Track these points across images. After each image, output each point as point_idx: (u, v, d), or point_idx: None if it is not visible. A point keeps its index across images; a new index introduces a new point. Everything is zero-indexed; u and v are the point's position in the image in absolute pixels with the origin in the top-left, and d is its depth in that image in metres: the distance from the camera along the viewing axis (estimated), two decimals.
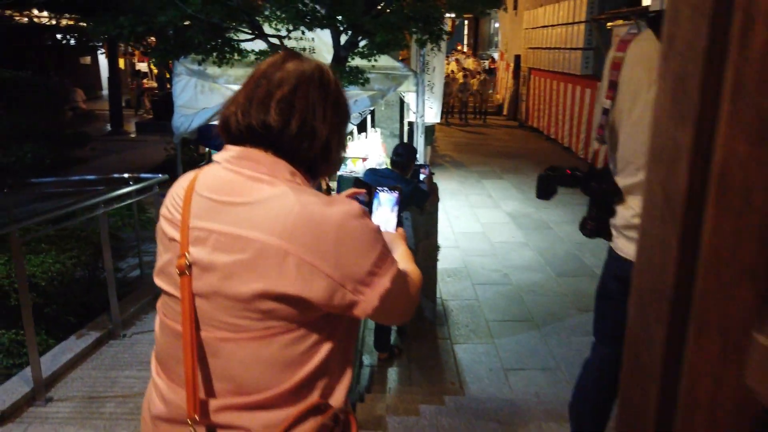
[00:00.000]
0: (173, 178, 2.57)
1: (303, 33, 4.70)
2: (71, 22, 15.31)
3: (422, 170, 4.39)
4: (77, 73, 20.48)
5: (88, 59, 22.62)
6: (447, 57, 26.38)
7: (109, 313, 3.47)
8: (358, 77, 4.75)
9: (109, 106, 13.72)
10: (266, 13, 4.36)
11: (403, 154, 3.95)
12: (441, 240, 6.93)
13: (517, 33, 18.36)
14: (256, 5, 4.50)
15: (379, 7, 4.57)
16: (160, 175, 3.99)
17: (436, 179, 10.88)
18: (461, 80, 17.75)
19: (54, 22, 15.76)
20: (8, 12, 14.79)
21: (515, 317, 4.94)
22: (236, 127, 1.08)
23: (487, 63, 21.53)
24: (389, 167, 3.96)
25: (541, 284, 5.62)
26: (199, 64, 5.50)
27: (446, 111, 16.67)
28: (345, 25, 4.43)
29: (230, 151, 1.08)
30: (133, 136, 13.58)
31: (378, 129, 9.33)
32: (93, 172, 9.66)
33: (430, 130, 10.67)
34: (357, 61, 5.58)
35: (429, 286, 4.63)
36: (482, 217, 7.96)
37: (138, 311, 4.11)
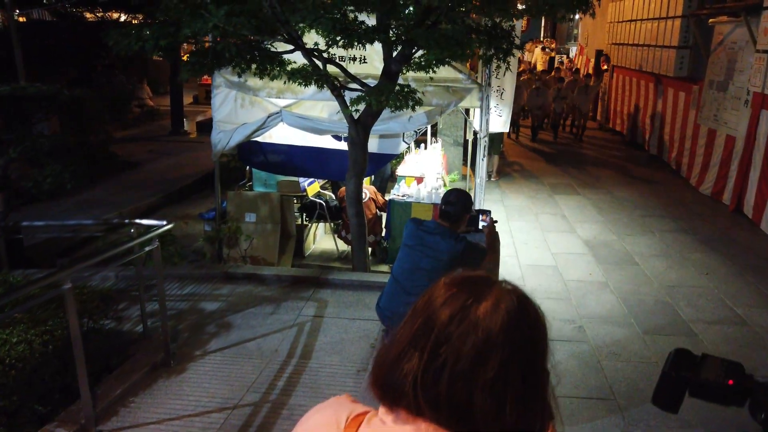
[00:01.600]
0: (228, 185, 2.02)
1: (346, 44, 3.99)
2: (140, 18, 15.35)
3: (482, 217, 3.58)
4: (148, 67, 20.73)
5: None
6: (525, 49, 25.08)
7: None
8: (408, 99, 3.99)
9: (170, 105, 13.59)
10: (300, 24, 3.66)
11: (454, 203, 3.17)
12: (504, 273, 6.08)
13: (599, 26, 16.88)
14: (287, 18, 3.81)
15: (434, 18, 3.78)
16: (164, 223, 3.42)
17: (502, 191, 10.00)
18: (553, 84, 14.40)
19: (124, 18, 15.87)
20: (79, 10, 14.98)
21: (591, 393, 4.05)
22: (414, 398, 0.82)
23: (563, 59, 20.04)
24: (437, 219, 3.20)
25: (625, 344, 4.67)
26: (239, 75, 4.90)
27: (517, 120, 13.76)
28: (393, 39, 3.68)
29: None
30: (192, 136, 13.39)
31: (439, 139, 8.53)
32: (141, 178, 9.43)
33: (498, 138, 9.75)
34: (411, 73, 4.82)
35: None
36: (554, 244, 7.00)
37: (126, 392, 3.27)
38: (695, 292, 5.65)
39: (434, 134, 8.90)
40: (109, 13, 15.49)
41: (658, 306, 5.36)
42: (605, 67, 15.64)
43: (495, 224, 3.64)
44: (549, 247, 6.89)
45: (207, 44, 4.78)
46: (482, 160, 5.44)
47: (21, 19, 13.49)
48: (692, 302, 5.43)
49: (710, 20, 9.62)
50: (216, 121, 5.74)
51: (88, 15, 14.96)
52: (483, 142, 5.40)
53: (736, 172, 8.33)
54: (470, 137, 8.36)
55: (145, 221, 3.57)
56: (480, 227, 3.56)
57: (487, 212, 3.57)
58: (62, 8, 14.59)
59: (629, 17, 13.72)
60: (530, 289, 3.95)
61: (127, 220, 3.73)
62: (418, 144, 8.15)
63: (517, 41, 7.65)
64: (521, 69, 13.74)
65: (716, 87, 9.40)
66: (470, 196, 3.28)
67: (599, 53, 16.63)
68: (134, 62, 17.94)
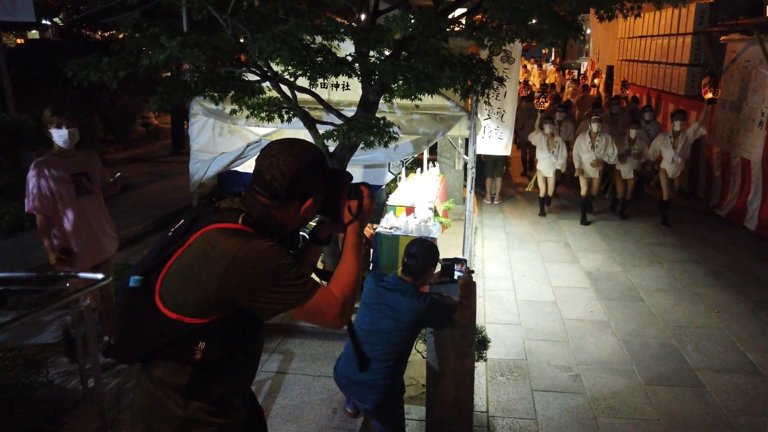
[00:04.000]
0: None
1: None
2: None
3: (457, 266, 3.25)
4: (155, 84, 20.72)
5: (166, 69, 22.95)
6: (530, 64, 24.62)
7: None
8: (383, 135, 3.68)
9: (171, 124, 13.46)
10: (255, 55, 3.39)
11: (416, 255, 2.84)
12: (499, 310, 5.73)
13: (610, 41, 16.52)
14: (246, 48, 3.54)
15: (412, 49, 3.48)
16: (99, 277, 3.14)
17: (505, 215, 9.60)
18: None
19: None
20: (85, 30, 15.00)
21: None
22: None
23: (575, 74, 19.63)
24: (399, 274, 2.88)
25: (624, 397, 4.28)
26: (217, 103, 4.64)
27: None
28: (360, 72, 3.38)
29: None
30: None
31: (437, 163, 8.20)
32: (133, 202, 9.22)
33: (501, 160, 9.40)
34: (398, 100, 4.52)
35: (462, 422, 3.46)
36: (555, 276, 6.62)
37: None
38: (704, 334, 5.23)
39: (431, 158, 8.58)
40: (114, 33, 15.50)
41: (663, 350, 4.96)
42: (596, 81, 15.43)
43: (472, 274, 3.31)
44: (549, 280, 6.51)
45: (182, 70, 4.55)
46: (470, 192, 5.09)
47: (19, 41, 13.51)
48: (700, 346, 5.01)
49: (722, 38, 9.22)
50: (193, 150, 5.48)
51: (92, 34, 14.97)
52: (471, 173, 5.06)
53: (760, 197, 7.90)
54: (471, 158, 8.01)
55: (82, 274, 3.29)
56: (455, 278, 3.24)
57: (462, 261, 3.25)
58: (66, 28, 14.62)
59: (640, 33, 13.35)
60: (527, 328, 3.56)
61: (62, 273, 3.46)
62: (415, 168, 7.83)
63: (505, 68, 7.41)
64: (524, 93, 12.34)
65: (729, 107, 8.98)
66: (436, 247, 2.95)
67: (610, 69, 16.23)
68: (140, 80, 17.93)
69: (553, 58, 26.17)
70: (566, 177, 9.81)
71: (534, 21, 3.40)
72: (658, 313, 5.66)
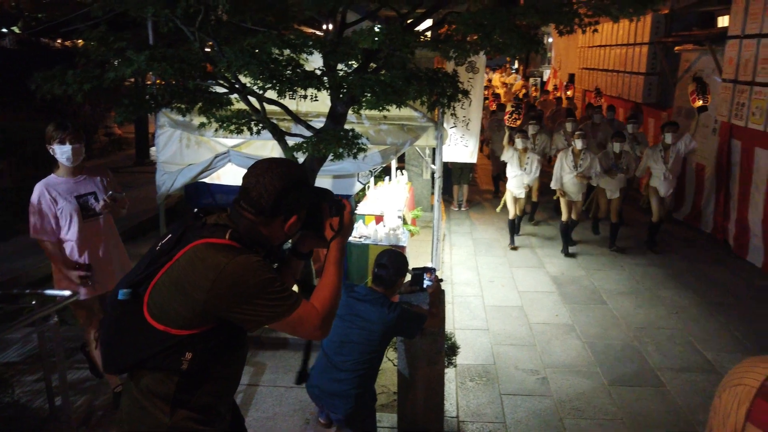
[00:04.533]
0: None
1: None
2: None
3: (427, 275, 3.32)
4: (120, 94, 20.35)
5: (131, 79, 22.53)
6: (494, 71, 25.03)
7: None
8: (352, 146, 3.73)
9: (135, 134, 13.24)
10: (221, 69, 3.41)
11: (387, 266, 2.91)
12: (468, 316, 5.83)
13: (571, 50, 16.96)
14: (214, 62, 3.56)
15: (380, 63, 3.55)
16: (67, 293, 3.11)
17: (472, 222, 9.75)
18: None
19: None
20: (45, 39, 14.66)
21: None
22: None
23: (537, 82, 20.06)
24: (370, 285, 2.93)
25: (589, 398, 4.41)
26: (184, 115, 4.61)
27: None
28: (329, 86, 3.43)
29: None
30: None
31: (405, 172, 8.29)
32: None
33: (467, 167, 9.55)
34: (366, 111, 4.58)
35: (433, 428, 3.53)
36: (522, 281, 6.76)
37: None
38: (664, 335, 5.43)
39: (400, 167, 8.67)
40: (75, 42, 15.18)
41: (626, 351, 5.12)
42: (569, 93, 14.22)
43: (440, 283, 3.38)
44: (516, 285, 6.65)
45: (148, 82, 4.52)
46: (438, 201, 5.18)
47: None
48: (661, 346, 5.20)
49: (676, 48, 9.60)
50: (160, 162, 5.44)
51: (52, 43, 14.64)
52: (438, 183, 5.16)
53: (713, 201, 8.22)
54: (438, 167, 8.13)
55: (49, 291, 3.25)
56: (425, 286, 3.30)
57: (431, 270, 3.32)
58: (25, 37, 14.26)
59: (599, 43, 13.75)
60: (494, 333, 3.63)
61: (28, 290, 3.40)
62: (383, 176, 7.90)
63: (469, 78, 7.56)
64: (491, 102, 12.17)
65: (684, 114, 9.34)
66: (406, 258, 3.02)
67: (572, 77, 16.64)
68: (104, 90, 17.58)
69: (516, 67, 26.69)
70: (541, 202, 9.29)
71: (497, 36, 3.50)
72: (620, 315, 5.85)
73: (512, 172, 7.69)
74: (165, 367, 1.69)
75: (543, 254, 7.69)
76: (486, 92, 15.49)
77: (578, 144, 7.30)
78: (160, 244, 1.77)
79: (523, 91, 18.15)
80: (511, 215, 7.92)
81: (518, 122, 7.98)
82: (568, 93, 14.35)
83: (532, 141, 8.32)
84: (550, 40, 19.91)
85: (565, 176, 7.41)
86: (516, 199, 7.87)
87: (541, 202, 9.36)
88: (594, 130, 9.30)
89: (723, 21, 8.98)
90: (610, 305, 6.10)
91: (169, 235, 1.77)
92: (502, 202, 8.75)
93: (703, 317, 5.79)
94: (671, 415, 4.21)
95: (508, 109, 7.71)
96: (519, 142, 7.54)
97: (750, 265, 7.22)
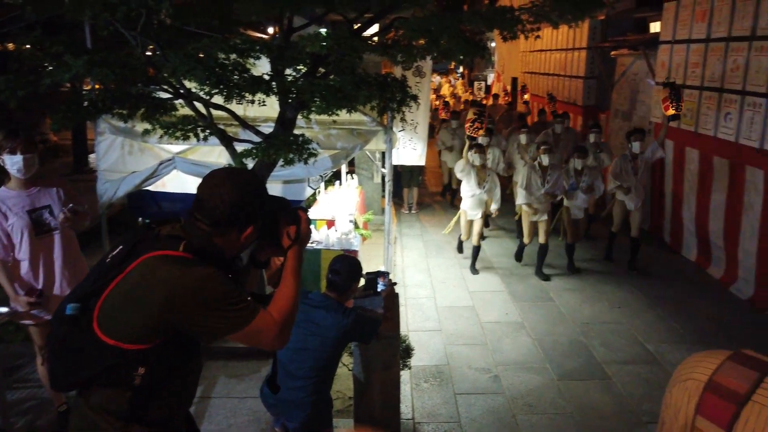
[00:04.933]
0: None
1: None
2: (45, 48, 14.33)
3: (380, 279, 3.34)
4: (58, 99, 19.48)
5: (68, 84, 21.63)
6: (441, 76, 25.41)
7: None
8: (303, 151, 3.71)
9: (72, 140, 12.71)
10: (165, 75, 3.32)
11: (341, 272, 2.91)
12: (421, 318, 5.88)
13: (513, 54, 17.42)
14: (158, 67, 3.47)
15: (328, 68, 3.55)
16: (4, 311, 2.97)
17: (422, 224, 9.85)
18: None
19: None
20: None
21: None
22: None
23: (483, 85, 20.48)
24: (324, 291, 2.92)
25: (540, 393, 4.53)
26: (125, 121, 4.46)
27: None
28: (277, 90, 3.40)
29: None
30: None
31: (355, 176, 8.30)
32: None
33: (417, 170, 9.65)
34: (315, 116, 4.56)
35: (390, 426, 3.54)
36: (472, 282, 6.88)
37: None
38: (608, 329, 5.64)
39: (350, 170, 8.67)
40: (8, 45, 14.41)
41: (573, 347, 5.29)
42: (526, 97, 13.91)
43: (394, 286, 3.41)
44: (467, 285, 6.76)
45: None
46: (388, 205, 5.21)
47: None
48: (605, 340, 5.40)
49: (612, 52, 10.00)
50: (101, 170, 5.25)
51: None
52: (388, 186, 5.19)
53: (650, 199, 8.60)
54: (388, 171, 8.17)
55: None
56: (379, 290, 3.32)
57: (385, 274, 3.34)
58: None
59: (540, 47, 14.17)
60: (447, 334, 3.68)
61: None
62: (333, 181, 7.88)
63: (417, 82, 7.66)
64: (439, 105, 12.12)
65: (621, 116, 9.74)
66: (359, 263, 3.02)
67: (515, 81, 17.09)
68: (39, 95, 16.79)
69: (461, 71, 27.15)
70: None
71: (444, 41, 3.56)
72: (567, 311, 6.03)
73: (469, 191, 6.85)
74: (117, 382, 1.64)
75: (492, 254, 7.85)
76: (437, 102, 15.59)
77: (545, 160, 6.64)
78: (110, 256, 1.71)
79: (470, 97, 18.42)
80: (463, 237, 7.24)
81: (481, 132, 7.02)
82: (525, 97, 13.76)
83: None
84: (493, 44, 20.39)
85: (531, 192, 6.74)
86: (471, 222, 7.06)
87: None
88: (555, 141, 8.59)
89: (655, 27, 9.43)
90: (557, 302, 6.29)
91: (120, 247, 1.71)
92: (452, 222, 8.15)
93: (644, 311, 6.05)
94: (617, 406, 4.38)
95: (470, 116, 6.89)
96: (476, 158, 6.67)
97: (685, 259, 7.60)
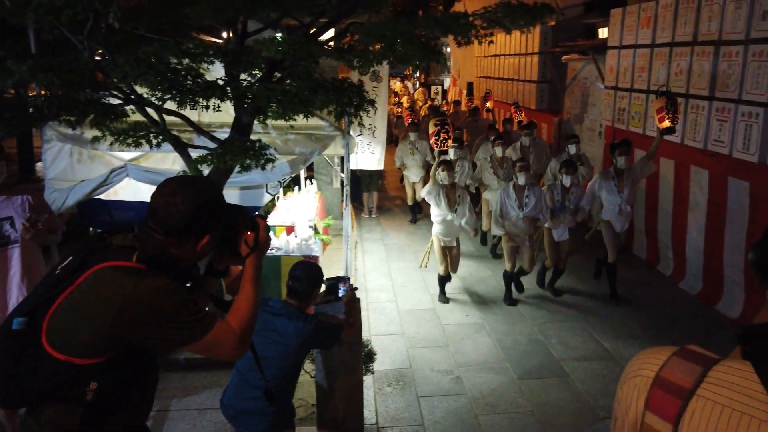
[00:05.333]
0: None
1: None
2: None
3: (341, 284, 3.32)
4: (2, 105, 18.69)
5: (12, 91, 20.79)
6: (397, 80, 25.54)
7: None
8: (260, 157, 3.66)
9: (17, 147, 12.21)
10: (114, 80, 3.23)
11: (301, 278, 2.88)
12: (383, 321, 5.88)
13: (468, 59, 17.67)
14: (107, 72, 3.37)
15: (284, 73, 3.52)
16: None
17: (383, 228, 9.89)
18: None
19: None
20: None
21: None
22: None
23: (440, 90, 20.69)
24: (284, 298, 2.89)
25: (501, 393, 4.59)
26: (74, 128, 4.30)
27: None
28: (232, 96, 3.35)
29: None
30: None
31: (314, 181, 8.25)
32: None
33: (376, 174, 9.66)
34: (272, 121, 4.51)
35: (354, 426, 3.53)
36: (433, 284, 6.90)
37: None
38: (565, 327, 5.77)
39: (309, 176, 8.62)
40: None
41: (532, 346, 5.39)
42: (490, 104, 12.74)
43: (355, 291, 3.40)
44: (428, 288, 6.80)
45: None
46: (347, 209, 5.20)
47: None
48: (563, 339, 5.52)
49: (563, 57, 10.28)
50: (49, 179, 5.06)
51: None
52: (346, 191, 5.19)
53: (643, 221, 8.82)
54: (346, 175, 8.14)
55: None
56: (340, 296, 3.30)
57: (345, 279, 3.33)
58: None
59: (494, 52, 14.43)
60: (409, 337, 3.66)
61: None
62: (292, 186, 7.81)
63: (374, 86, 7.69)
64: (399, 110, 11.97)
65: (573, 119, 10.01)
66: (320, 269, 3.00)
67: (470, 85, 17.34)
68: None
69: (417, 75, 27.39)
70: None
71: (399, 46, 3.58)
72: (525, 311, 6.14)
73: (439, 214, 6.00)
74: (68, 398, 1.57)
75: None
76: (398, 110, 15.52)
77: (521, 179, 5.85)
78: (59, 267, 1.64)
79: (428, 103, 18.39)
80: (441, 270, 6.24)
81: (449, 143, 6.34)
82: (488, 105, 12.53)
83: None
84: (449, 49, 20.67)
85: (508, 218, 5.98)
86: (447, 249, 6.22)
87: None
88: (524, 154, 7.80)
89: (604, 32, 9.74)
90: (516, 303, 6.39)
91: (70, 258, 1.65)
92: (425, 253, 7.21)
93: (599, 309, 6.21)
94: (575, 402, 4.48)
95: (432, 128, 6.20)
96: (445, 177, 5.83)
97: (637, 258, 7.85)
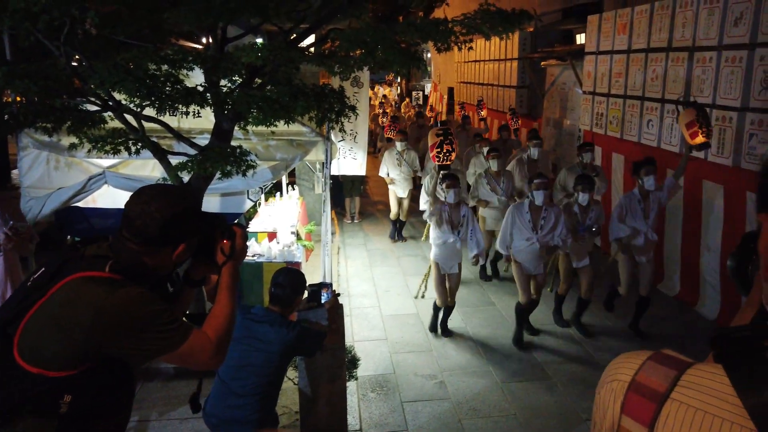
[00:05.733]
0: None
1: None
2: None
3: (324, 290, 3.31)
4: None
5: None
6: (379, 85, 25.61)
7: None
8: (241, 163, 3.65)
9: None
10: (92, 86, 3.20)
11: (284, 285, 2.87)
12: (366, 327, 5.87)
13: (449, 65, 17.80)
14: (84, 79, 3.34)
15: (265, 79, 3.51)
16: None
17: (365, 233, 9.88)
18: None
19: None
20: None
21: None
22: None
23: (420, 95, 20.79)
24: (267, 305, 2.87)
25: (484, 397, 4.61)
26: (50, 135, 4.24)
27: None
28: (211, 102, 3.33)
29: None
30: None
31: (296, 187, 8.23)
32: None
33: (358, 180, 9.66)
34: (252, 127, 4.49)
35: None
36: (415, 289, 6.93)
37: None
38: (547, 330, 5.81)
39: (290, 182, 8.59)
40: None
41: (514, 349, 5.42)
42: (484, 113, 10.88)
43: (338, 296, 3.39)
44: (410, 293, 6.81)
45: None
46: (325, 214, 5.19)
47: None
48: (544, 341, 5.57)
49: (542, 63, 10.40)
50: (25, 187, 4.97)
51: None
52: (325, 196, 5.17)
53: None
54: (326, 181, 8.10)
55: None
56: (323, 302, 3.29)
57: (328, 285, 3.33)
58: None
59: (474, 58, 14.56)
60: (392, 342, 3.64)
61: None
62: (274, 192, 7.78)
63: (355, 92, 7.71)
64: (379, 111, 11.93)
65: (552, 124, 10.13)
66: (303, 276, 3.00)
67: (451, 90, 17.45)
68: None
69: (399, 80, 27.50)
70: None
71: (380, 52, 3.60)
72: (507, 315, 6.18)
73: (440, 236, 5.30)
74: (42, 411, 1.54)
75: None
76: (383, 120, 15.35)
77: (538, 198, 5.12)
78: (32, 278, 1.61)
79: (412, 110, 17.91)
80: (438, 301, 5.56)
81: (453, 157, 5.45)
82: (482, 113, 10.89)
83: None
84: (429, 55, 20.79)
85: (519, 241, 5.21)
86: (447, 278, 5.50)
87: None
88: (532, 168, 6.95)
89: (581, 38, 9.88)
90: (497, 306, 6.43)
91: (43, 269, 1.62)
92: (423, 280, 6.47)
93: (574, 308, 6.26)
94: (557, 405, 4.51)
95: (432, 139, 5.42)
96: (451, 195, 5.16)
97: (614, 260, 7.92)
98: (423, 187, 6.80)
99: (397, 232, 8.88)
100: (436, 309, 5.71)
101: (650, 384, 0.77)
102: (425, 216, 5.51)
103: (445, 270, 5.46)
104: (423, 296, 6.48)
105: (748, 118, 5.33)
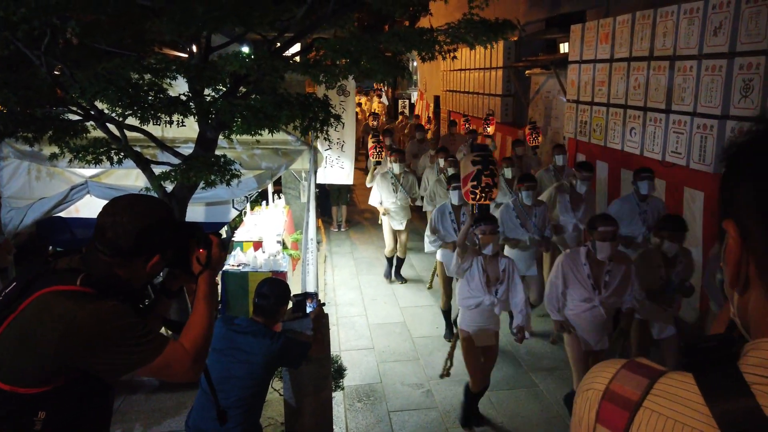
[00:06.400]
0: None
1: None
2: None
3: (309, 300, 3.29)
4: None
5: None
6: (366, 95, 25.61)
7: None
8: (225, 173, 3.62)
9: None
10: (73, 96, 3.17)
11: (267, 295, 2.85)
12: (353, 336, 5.85)
13: (435, 73, 17.89)
14: (66, 88, 3.31)
15: (249, 88, 3.50)
16: None
17: (352, 242, 9.86)
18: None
19: None
20: None
21: None
22: None
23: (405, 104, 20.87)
24: (251, 316, 2.85)
25: None
26: (31, 144, 4.19)
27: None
28: (195, 111, 3.32)
29: None
30: None
31: (282, 196, 8.20)
32: None
33: (345, 188, 9.65)
34: (237, 136, 4.47)
35: None
36: (402, 297, 6.93)
37: None
38: (533, 337, 5.81)
39: (277, 190, 8.56)
40: None
41: (501, 356, 5.37)
42: (491, 130, 10.26)
43: (323, 306, 3.37)
44: (397, 301, 6.80)
45: None
46: (308, 224, 5.17)
47: None
48: (531, 348, 5.57)
49: (527, 72, 10.49)
50: (5, 197, 4.90)
51: None
52: (309, 205, 5.16)
53: None
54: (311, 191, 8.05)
55: None
56: (308, 312, 3.27)
57: (313, 295, 3.31)
58: None
59: (460, 66, 14.64)
60: (379, 351, 3.64)
61: None
62: (260, 201, 7.75)
63: (341, 101, 7.72)
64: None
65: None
66: (287, 286, 2.98)
67: (437, 99, 17.52)
68: None
69: (385, 89, 27.61)
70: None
71: (364, 62, 3.61)
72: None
73: (470, 296, 4.12)
74: (16, 429, 1.51)
75: (421, 269, 7.94)
76: (373, 140, 15.01)
77: (603, 250, 3.85)
78: (2, 294, 1.58)
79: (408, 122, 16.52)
80: (442, 303, 5.29)
81: (495, 194, 4.55)
82: (489, 130, 10.06)
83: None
84: (415, 63, 20.89)
85: (572, 302, 3.96)
86: (482, 353, 4.28)
87: None
88: (576, 202, 5.87)
89: (564, 47, 9.99)
90: None
91: (14, 284, 1.59)
92: (447, 358, 4.95)
93: None
94: (545, 412, 4.52)
95: (466, 169, 4.50)
96: (488, 244, 3.95)
97: None
98: (429, 223, 5.66)
99: (394, 270, 7.44)
100: (469, 396, 4.28)
101: (623, 393, 0.77)
102: (451, 271, 4.38)
103: (479, 342, 4.15)
104: (448, 374, 4.96)
105: (729, 126, 5.40)
